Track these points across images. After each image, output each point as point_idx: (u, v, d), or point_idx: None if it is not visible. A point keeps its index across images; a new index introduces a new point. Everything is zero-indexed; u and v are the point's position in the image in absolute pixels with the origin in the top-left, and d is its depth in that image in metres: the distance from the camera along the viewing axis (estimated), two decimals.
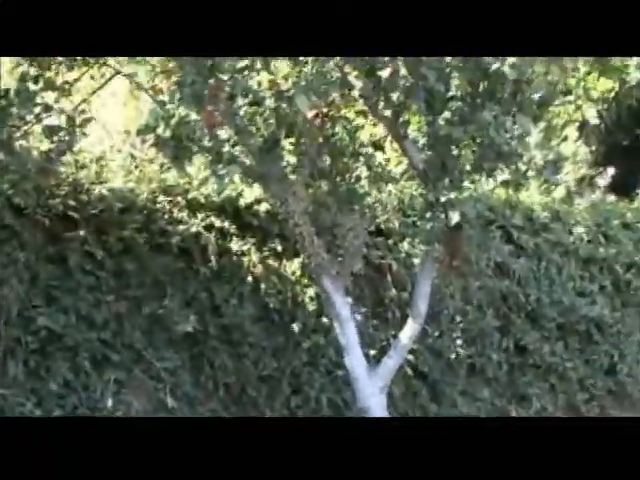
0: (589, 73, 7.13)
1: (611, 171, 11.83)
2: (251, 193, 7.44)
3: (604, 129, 12.17)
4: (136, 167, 7.29)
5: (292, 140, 6.03)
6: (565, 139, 6.98)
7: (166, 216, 7.13)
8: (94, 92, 5.99)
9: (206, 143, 5.56)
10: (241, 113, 5.88)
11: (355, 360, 6.06)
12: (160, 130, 5.55)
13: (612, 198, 11.08)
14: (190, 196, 7.33)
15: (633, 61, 7.54)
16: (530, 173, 6.35)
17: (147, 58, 5.87)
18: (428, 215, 6.18)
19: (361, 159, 6.75)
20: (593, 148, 12.58)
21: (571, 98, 7.60)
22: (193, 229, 7.18)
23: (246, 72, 5.51)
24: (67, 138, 5.83)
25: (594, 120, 10.53)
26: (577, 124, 10.10)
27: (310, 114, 5.58)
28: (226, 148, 5.65)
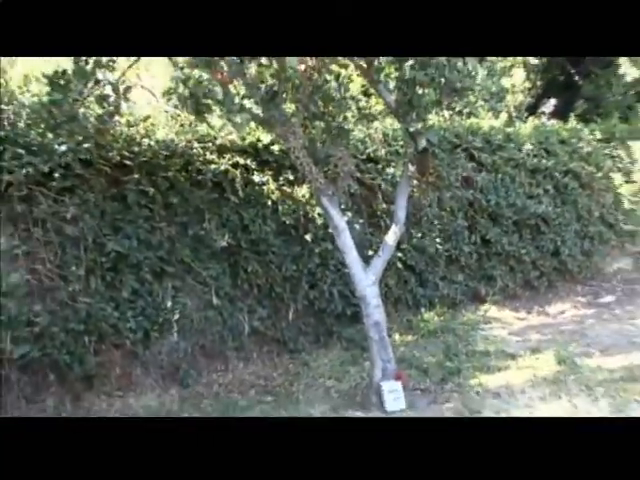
0: None
1: (553, 101, 11.54)
2: (267, 137, 7.25)
3: (542, 68, 11.72)
4: (175, 122, 7.00)
5: (289, 90, 5.67)
6: (504, 74, 6.64)
7: (201, 159, 6.94)
8: (130, 66, 5.63)
9: (220, 97, 5.21)
10: (251, 71, 5.56)
11: (352, 260, 5.81)
12: (180, 91, 5.28)
13: (553, 122, 10.83)
14: (218, 142, 7.11)
15: None
16: (479, 103, 6.06)
17: None
18: (402, 143, 5.88)
19: (349, 103, 6.41)
20: (538, 83, 12.16)
21: None
22: (222, 167, 7.00)
23: None
24: (115, 104, 5.52)
25: (534, 61, 10.17)
26: (520, 64, 9.83)
27: (301, 68, 5.24)
28: (237, 100, 5.31)
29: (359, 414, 5.47)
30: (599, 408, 5.27)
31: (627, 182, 6.03)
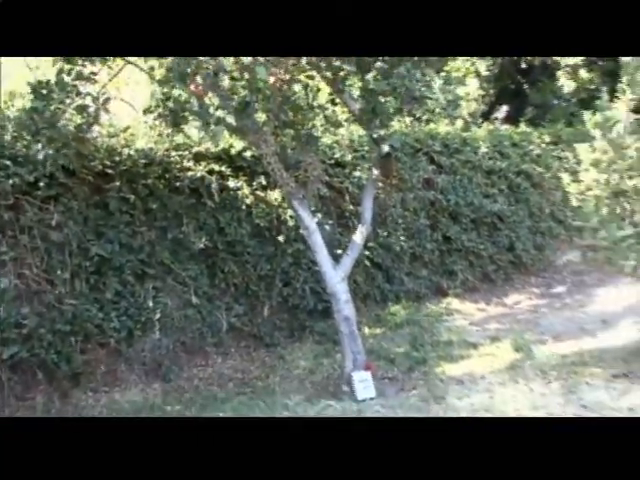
0: None
1: (505, 107, 11.61)
2: (239, 143, 7.19)
3: (494, 78, 11.81)
4: (154, 132, 6.94)
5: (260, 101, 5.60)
6: (460, 84, 6.64)
7: (178, 166, 6.89)
8: (111, 79, 5.60)
9: (196, 109, 5.16)
10: (224, 84, 5.50)
11: (323, 258, 5.79)
12: (161, 110, 5.25)
13: (506, 126, 10.88)
14: (195, 150, 7.07)
15: None
16: (437, 110, 6.06)
17: None
18: (367, 148, 5.85)
19: (316, 111, 6.37)
20: (491, 92, 12.24)
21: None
22: (199, 174, 6.96)
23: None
24: (94, 114, 5.45)
25: (485, 72, 10.25)
26: (474, 74, 9.91)
27: (271, 80, 5.19)
28: (211, 111, 5.25)
29: (332, 403, 5.45)
30: (552, 390, 5.31)
31: (574, 181, 6.11)
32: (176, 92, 5.22)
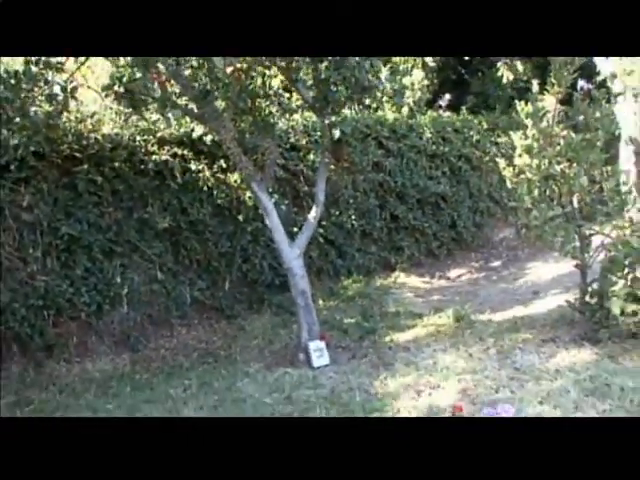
0: None
1: (447, 96, 11.67)
2: (200, 128, 7.08)
3: (438, 68, 11.87)
4: (119, 118, 6.85)
5: (220, 89, 5.57)
6: (405, 75, 6.67)
7: (143, 150, 6.85)
8: (78, 68, 5.48)
9: (156, 95, 5.13)
10: (186, 73, 5.47)
11: (279, 236, 5.82)
12: (116, 87, 5.17)
13: (448, 114, 10.94)
14: (159, 135, 7.02)
15: None
16: (384, 99, 6.11)
17: None
18: (320, 133, 5.87)
19: (272, 99, 6.37)
20: (434, 81, 12.31)
21: None
22: (163, 157, 6.93)
23: None
24: (63, 102, 5.35)
25: (431, 63, 10.34)
26: (420, 65, 10.00)
27: (228, 70, 5.18)
28: (173, 98, 5.23)
29: (289, 370, 5.52)
30: (489, 355, 5.45)
31: (509, 165, 6.23)
32: (130, 71, 5.13)
